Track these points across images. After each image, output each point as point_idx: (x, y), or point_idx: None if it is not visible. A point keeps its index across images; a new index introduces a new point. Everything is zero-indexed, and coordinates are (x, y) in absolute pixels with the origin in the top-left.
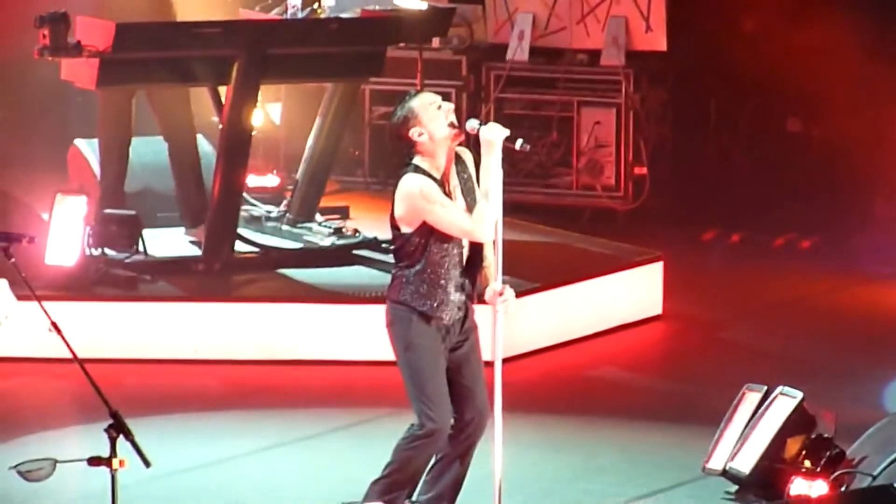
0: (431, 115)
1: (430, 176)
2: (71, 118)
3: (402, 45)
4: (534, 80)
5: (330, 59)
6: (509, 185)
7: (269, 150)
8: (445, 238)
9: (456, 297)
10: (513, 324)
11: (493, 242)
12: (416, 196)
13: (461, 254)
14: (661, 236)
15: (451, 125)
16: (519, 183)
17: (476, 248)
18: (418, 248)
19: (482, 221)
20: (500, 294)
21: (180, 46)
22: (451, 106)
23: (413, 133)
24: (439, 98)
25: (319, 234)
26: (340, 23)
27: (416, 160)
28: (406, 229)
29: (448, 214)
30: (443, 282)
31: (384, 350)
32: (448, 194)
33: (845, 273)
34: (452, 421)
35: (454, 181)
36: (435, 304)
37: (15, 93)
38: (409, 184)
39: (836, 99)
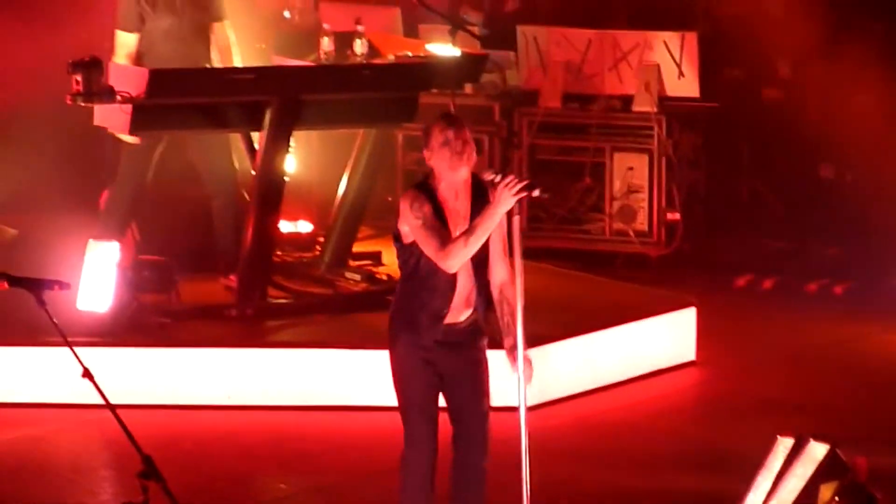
0: (438, 146)
1: (431, 195)
2: (104, 164)
3: (435, 91)
4: (566, 125)
5: (363, 105)
6: (542, 231)
7: (302, 196)
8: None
9: (439, 320)
10: (545, 370)
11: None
12: (406, 206)
13: (452, 280)
14: (694, 282)
15: (454, 157)
16: (552, 228)
17: (482, 276)
18: (409, 261)
19: (451, 252)
20: (518, 359)
21: (213, 93)
22: (459, 145)
23: (425, 154)
24: (452, 133)
25: (352, 279)
26: (373, 69)
27: (428, 177)
28: (403, 240)
29: (425, 232)
30: (426, 302)
31: None
32: (447, 219)
33: (879, 318)
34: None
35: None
36: (415, 323)
37: (48, 138)
38: (407, 194)
39: (868, 145)
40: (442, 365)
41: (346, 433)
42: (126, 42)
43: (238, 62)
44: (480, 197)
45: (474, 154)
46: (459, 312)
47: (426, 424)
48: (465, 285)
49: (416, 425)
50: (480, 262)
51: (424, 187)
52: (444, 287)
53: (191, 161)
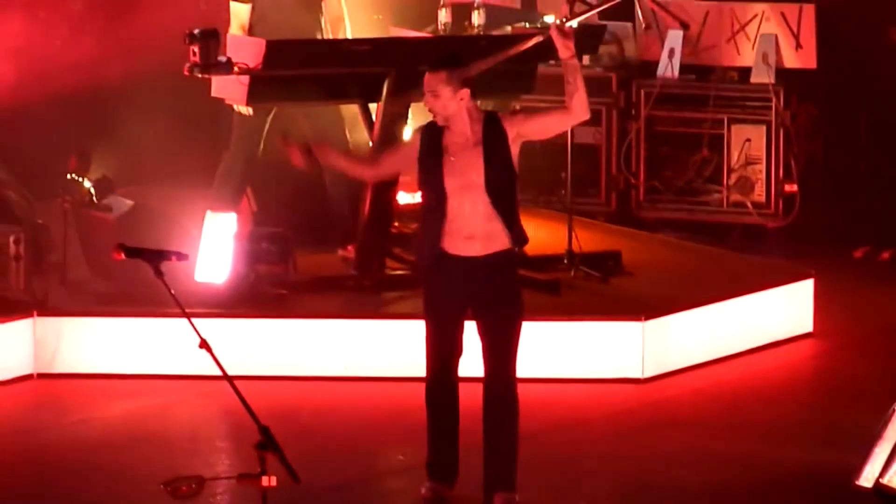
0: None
1: (435, 132)
2: (222, 135)
3: (552, 62)
4: (684, 97)
5: (480, 76)
6: (659, 203)
7: None
8: (423, 182)
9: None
10: (663, 341)
11: None
12: None
13: (443, 204)
14: (812, 253)
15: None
16: (669, 200)
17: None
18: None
19: None
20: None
21: (330, 64)
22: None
23: None
24: (426, 77)
25: None
26: (490, 40)
27: None
28: None
29: None
30: (431, 224)
31: (536, 366)
32: (443, 160)
33: None
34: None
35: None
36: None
37: (166, 108)
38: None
39: None
40: (470, 286)
41: (463, 404)
42: (238, 12)
43: (348, 34)
44: (491, 130)
45: (442, 99)
46: (464, 243)
47: (441, 349)
48: (467, 213)
49: (433, 350)
50: (499, 191)
51: (431, 125)
52: (441, 212)
53: (302, 132)
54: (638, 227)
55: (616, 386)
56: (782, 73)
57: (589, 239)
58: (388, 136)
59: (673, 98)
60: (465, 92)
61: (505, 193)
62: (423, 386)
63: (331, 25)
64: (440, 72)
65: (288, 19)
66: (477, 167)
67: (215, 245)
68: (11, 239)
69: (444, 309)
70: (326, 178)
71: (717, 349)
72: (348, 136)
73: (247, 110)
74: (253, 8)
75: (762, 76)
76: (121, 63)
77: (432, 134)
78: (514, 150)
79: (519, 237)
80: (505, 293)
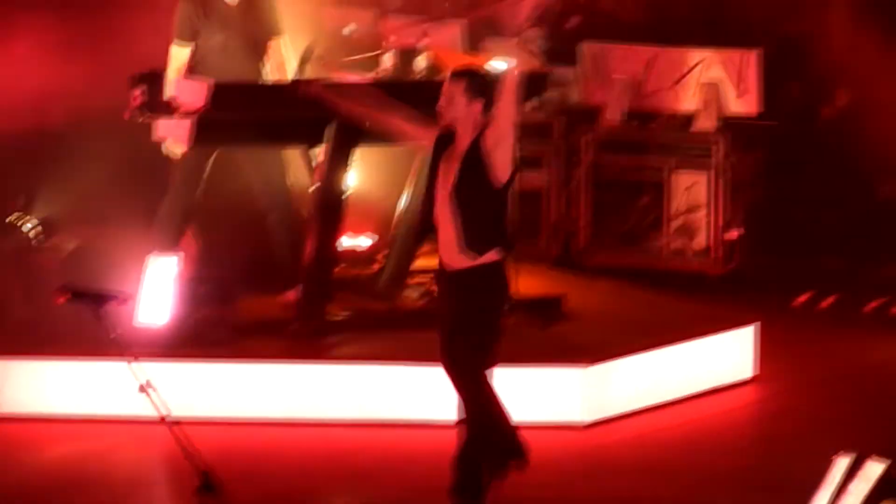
0: None
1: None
2: (166, 176)
3: None
4: (627, 143)
5: (424, 121)
6: (602, 249)
7: (363, 211)
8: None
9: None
10: (606, 386)
11: None
12: None
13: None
14: (754, 300)
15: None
16: (612, 246)
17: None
18: None
19: None
20: None
21: (275, 107)
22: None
23: None
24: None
25: (412, 295)
26: (433, 85)
27: None
28: None
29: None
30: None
31: None
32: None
33: None
34: None
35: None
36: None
37: (110, 149)
38: None
39: None
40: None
41: (404, 449)
42: (178, 55)
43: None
44: (477, 141)
45: (455, 106)
46: (449, 254)
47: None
48: (445, 221)
49: None
50: (464, 200)
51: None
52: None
53: (245, 175)
54: (580, 273)
55: (557, 432)
56: (725, 120)
57: (531, 284)
58: (330, 182)
59: (616, 144)
60: (479, 104)
61: (471, 203)
62: (364, 430)
63: (276, 70)
64: (461, 80)
65: (230, 64)
66: (453, 176)
67: (157, 288)
68: None
69: (441, 325)
70: (269, 220)
71: (659, 395)
72: (291, 180)
73: (177, 152)
74: (195, 50)
75: (705, 123)
76: (65, 105)
77: (444, 141)
78: (497, 155)
79: (481, 245)
80: (468, 307)
